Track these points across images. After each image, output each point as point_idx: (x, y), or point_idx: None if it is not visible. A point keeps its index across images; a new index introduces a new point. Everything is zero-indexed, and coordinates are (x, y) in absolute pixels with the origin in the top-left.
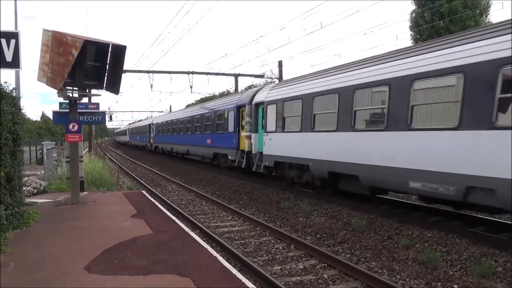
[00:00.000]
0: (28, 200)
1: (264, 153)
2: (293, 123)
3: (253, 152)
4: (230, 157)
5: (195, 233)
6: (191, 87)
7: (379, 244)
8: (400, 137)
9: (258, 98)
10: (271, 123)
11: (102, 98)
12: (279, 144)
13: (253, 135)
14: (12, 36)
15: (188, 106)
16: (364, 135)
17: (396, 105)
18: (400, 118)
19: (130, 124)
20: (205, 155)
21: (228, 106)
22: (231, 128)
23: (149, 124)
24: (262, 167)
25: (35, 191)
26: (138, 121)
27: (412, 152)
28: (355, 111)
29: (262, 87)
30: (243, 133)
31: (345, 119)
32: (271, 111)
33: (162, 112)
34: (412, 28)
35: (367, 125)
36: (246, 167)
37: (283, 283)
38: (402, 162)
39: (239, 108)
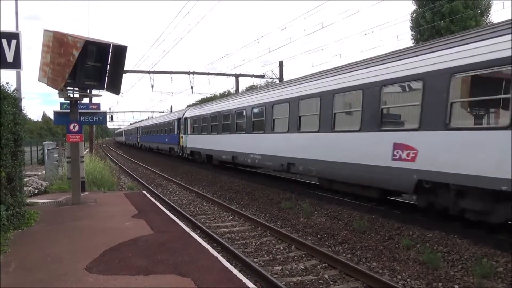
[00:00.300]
0: (29, 200)
1: (187, 146)
2: (197, 129)
3: (183, 145)
4: (175, 149)
5: (196, 234)
6: (192, 87)
7: (380, 245)
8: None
9: (185, 115)
10: (189, 129)
11: (103, 99)
12: (193, 141)
13: (183, 136)
14: (13, 36)
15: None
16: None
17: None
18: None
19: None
20: (165, 148)
21: (174, 118)
22: (175, 131)
23: (137, 127)
24: (186, 154)
25: (36, 191)
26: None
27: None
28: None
29: (188, 108)
30: (181, 134)
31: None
32: (189, 122)
33: (163, 112)
34: (413, 28)
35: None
36: (181, 155)
37: (284, 283)
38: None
39: (179, 120)
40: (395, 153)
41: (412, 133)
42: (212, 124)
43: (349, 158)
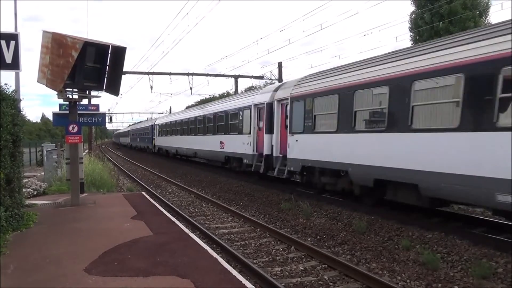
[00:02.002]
0: (28, 201)
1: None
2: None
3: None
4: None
5: (195, 235)
6: (191, 88)
7: (379, 245)
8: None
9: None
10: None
11: (102, 100)
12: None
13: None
14: (11, 37)
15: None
16: None
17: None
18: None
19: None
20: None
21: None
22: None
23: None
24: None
25: (35, 192)
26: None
27: None
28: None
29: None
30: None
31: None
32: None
33: (163, 113)
34: (411, 29)
35: None
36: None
37: (283, 284)
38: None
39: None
40: None
41: None
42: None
43: None
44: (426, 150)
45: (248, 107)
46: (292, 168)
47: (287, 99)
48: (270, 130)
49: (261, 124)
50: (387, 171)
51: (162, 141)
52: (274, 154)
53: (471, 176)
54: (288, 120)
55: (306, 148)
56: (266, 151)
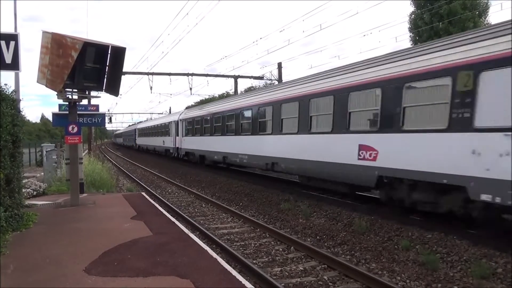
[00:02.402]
0: (27, 202)
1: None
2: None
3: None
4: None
5: (195, 235)
6: (190, 88)
7: (379, 246)
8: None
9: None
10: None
11: (102, 100)
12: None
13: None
14: (11, 38)
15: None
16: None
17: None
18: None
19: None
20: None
21: (170, 120)
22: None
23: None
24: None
25: (35, 193)
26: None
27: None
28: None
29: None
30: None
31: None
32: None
33: (162, 113)
34: (411, 29)
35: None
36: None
37: (283, 284)
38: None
39: (177, 123)
40: None
41: None
42: None
43: None
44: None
45: (170, 122)
46: (182, 153)
47: (181, 120)
48: (177, 134)
49: (174, 131)
50: None
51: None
52: (177, 146)
53: None
54: (181, 130)
55: (189, 143)
56: (177, 145)
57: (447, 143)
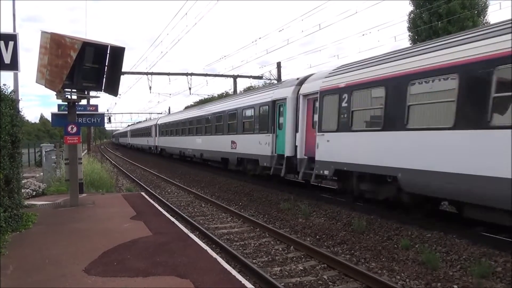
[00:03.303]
0: (27, 202)
1: None
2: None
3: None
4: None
5: (195, 235)
6: (189, 88)
7: (378, 245)
8: None
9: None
10: None
11: (101, 100)
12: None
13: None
14: (10, 38)
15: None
16: None
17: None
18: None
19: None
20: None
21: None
22: None
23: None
24: None
25: (34, 193)
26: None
27: None
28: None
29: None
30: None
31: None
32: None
33: (161, 113)
34: (410, 29)
35: None
36: None
37: (283, 284)
38: None
39: (156, 126)
40: None
41: None
42: None
43: None
44: None
45: (151, 126)
46: (158, 150)
47: (158, 124)
48: (156, 135)
49: (154, 133)
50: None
51: None
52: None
53: None
54: (158, 132)
55: (162, 142)
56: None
57: None
